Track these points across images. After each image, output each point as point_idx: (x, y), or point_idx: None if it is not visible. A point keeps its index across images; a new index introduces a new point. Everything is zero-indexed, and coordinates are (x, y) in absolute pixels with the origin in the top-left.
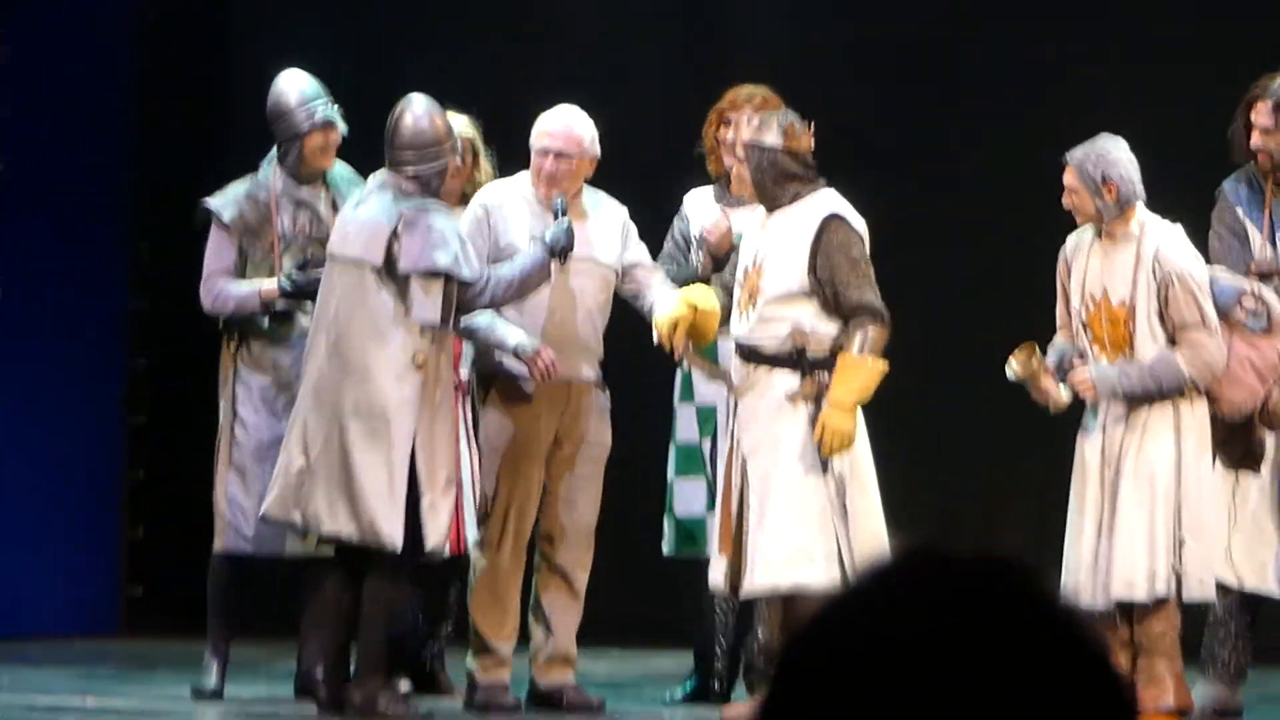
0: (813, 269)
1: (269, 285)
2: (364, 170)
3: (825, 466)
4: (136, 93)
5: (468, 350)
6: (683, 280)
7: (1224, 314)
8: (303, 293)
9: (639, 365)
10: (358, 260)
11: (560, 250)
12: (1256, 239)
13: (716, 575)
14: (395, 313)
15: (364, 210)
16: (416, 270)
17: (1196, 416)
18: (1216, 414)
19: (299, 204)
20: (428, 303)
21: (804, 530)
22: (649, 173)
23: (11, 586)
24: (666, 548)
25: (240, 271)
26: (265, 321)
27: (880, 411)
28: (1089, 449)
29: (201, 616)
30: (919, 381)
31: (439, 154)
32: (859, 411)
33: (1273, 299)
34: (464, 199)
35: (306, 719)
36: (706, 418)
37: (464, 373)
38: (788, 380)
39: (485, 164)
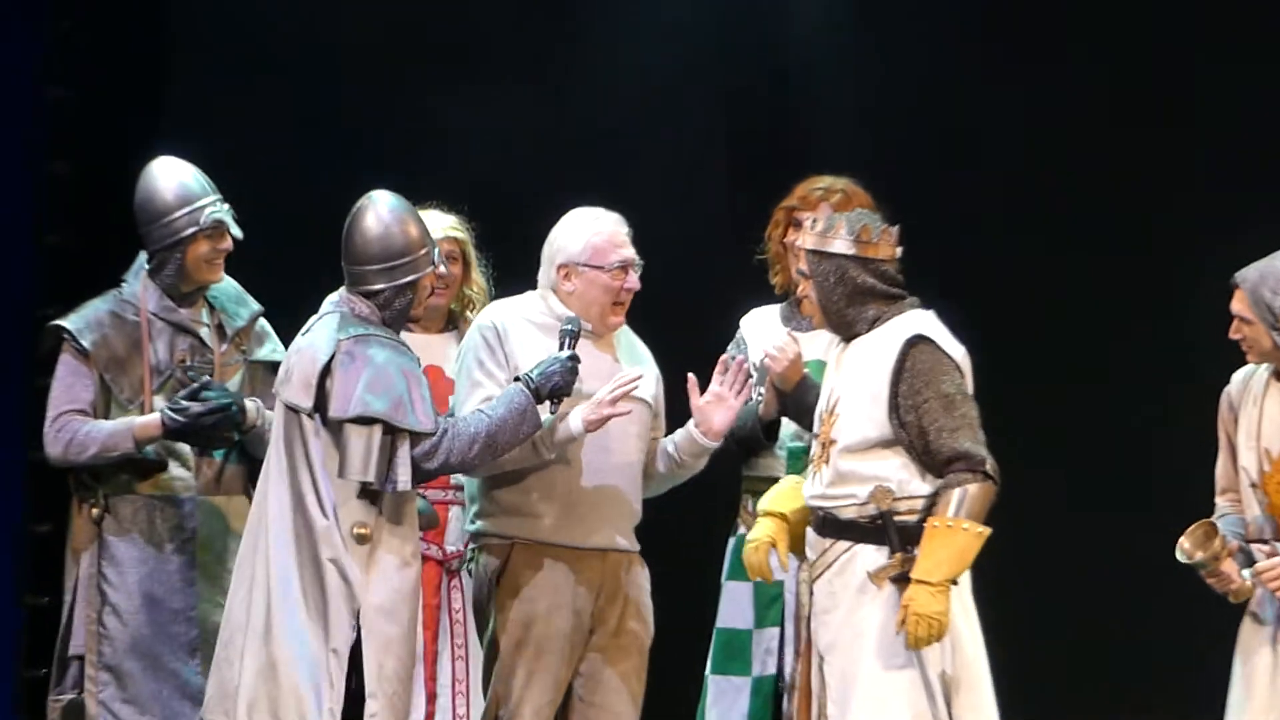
0: (894, 409)
1: (148, 420)
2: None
3: (920, 663)
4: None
5: (455, 520)
6: (740, 423)
7: None
8: (191, 431)
9: (667, 525)
10: (291, 405)
11: (553, 391)
12: None
13: None
14: (331, 471)
15: (306, 339)
16: (345, 416)
17: None
18: None
19: (177, 329)
20: (361, 458)
21: None
22: (693, 292)
23: None
24: None
25: (101, 413)
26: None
27: (988, 578)
28: (1259, 645)
29: None
30: (1037, 538)
31: (409, 267)
32: (959, 589)
33: None
34: (450, 320)
35: None
36: (770, 601)
37: (451, 547)
38: (872, 555)
39: (478, 276)
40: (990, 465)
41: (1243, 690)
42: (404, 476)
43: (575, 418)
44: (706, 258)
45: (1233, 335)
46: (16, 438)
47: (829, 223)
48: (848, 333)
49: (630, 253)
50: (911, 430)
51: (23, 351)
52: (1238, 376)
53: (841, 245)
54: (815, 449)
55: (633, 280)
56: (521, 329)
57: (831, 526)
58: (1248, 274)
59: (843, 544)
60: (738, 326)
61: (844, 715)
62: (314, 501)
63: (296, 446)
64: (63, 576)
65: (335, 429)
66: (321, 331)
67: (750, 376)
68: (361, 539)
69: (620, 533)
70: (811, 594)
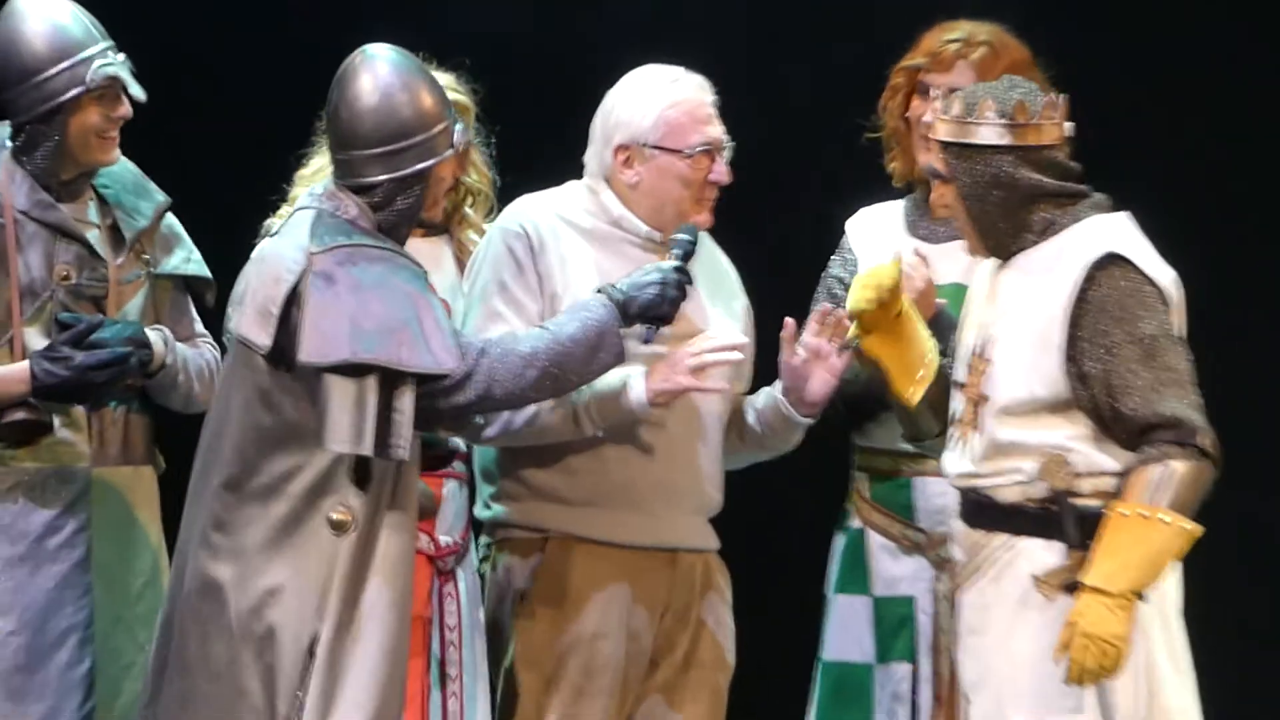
0: (1073, 358)
1: (8, 372)
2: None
3: (1103, 711)
4: None
5: (452, 500)
6: (849, 378)
7: None
8: (74, 388)
9: (756, 516)
10: (245, 340)
11: (647, 312)
12: None
13: None
14: (299, 433)
15: (269, 247)
16: (324, 364)
17: None
18: None
19: (56, 232)
20: (349, 420)
21: None
22: (780, 188)
23: None
24: None
25: None
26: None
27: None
28: None
29: None
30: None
31: (418, 148)
32: (1160, 607)
33: None
34: (445, 217)
35: None
36: (897, 625)
37: (445, 538)
38: (1041, 553)
39: (478, 159)
40: (1209, 439)
41: None
42: (400, 441)
43: (638, 384)
44: (794, 139)
45: None
46: None
47: (970, 100)
48: (1007, 251)
49: (718, 131)
50: (1096, 386)
51: None
52: None
53: (990, 133)
54: (958, 407)
55: (721, 169)
56: (564, 238)
57: (987, 514)
58: None
59: (1001, 537)
60: (843, 233)
61: None
62: (273, 479)
63: (251, 398)
64: None
65: (309, 378)
66: (289, 238)
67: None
68: (339, 527)
69: (695, 526)
70: (956, 610)
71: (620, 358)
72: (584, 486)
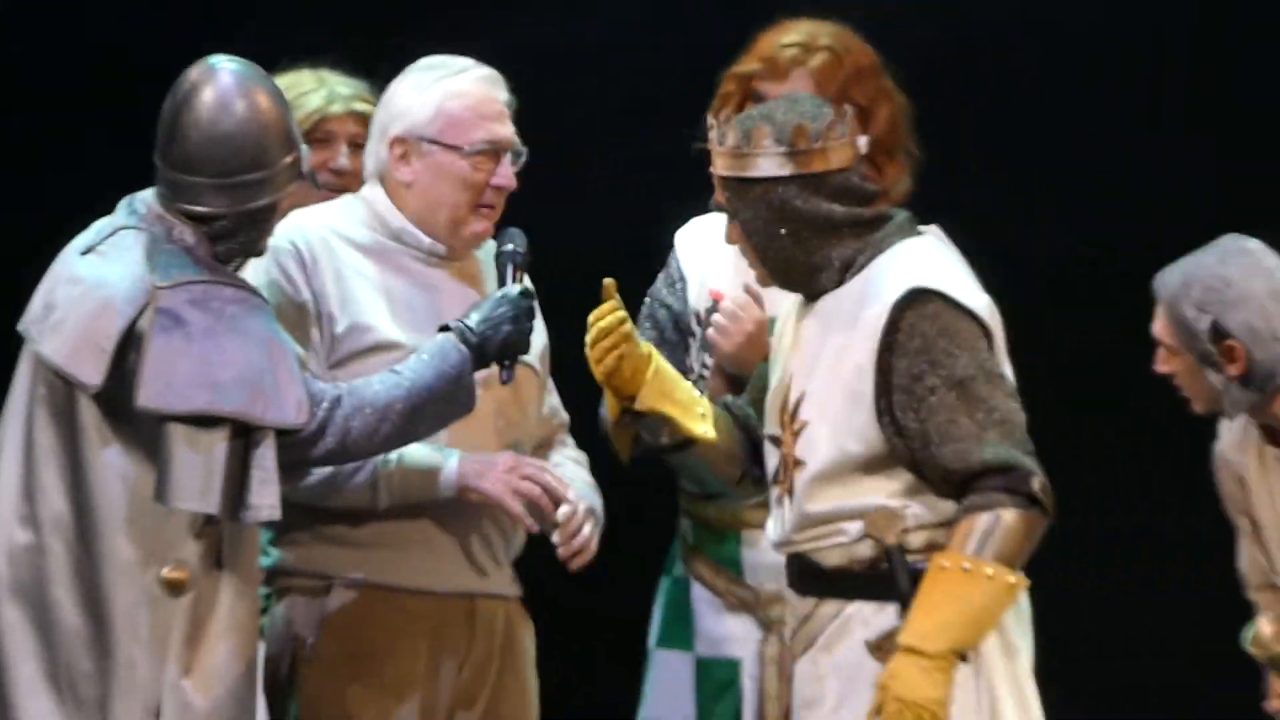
0: (885, 410)
1: None
2: None
3: None
4: None
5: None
6: None
7: None
8: None
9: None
10: (66, 373)
11: (504, 348)
12: None
13: None
14: (130, 484)
15: (92, 268)
16: (169, 413)
17: None
18: None
19: None
20: (198, 475)
21: None
22: (607, 190)
23: None
24: None
25: None
26: None
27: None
28: None
29: None
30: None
31: (265, 184)
32: (1010, 664)
33: None
34: None
35: None
36: (720, 690)
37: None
38: (874, 618)
39: None
40: (1039, 482)
41: None
42: (268, 499)
43: (452, 469)
44: (623, 143)
45: (1160, 369)
46: None
47: (743, 130)
48: (809, 289)
49: (506, 131)
50: (913, 439)
51: None
52: (1228, 435)
53: (769, 164)
54: (774, 465)
55: (505, 173)
56: (340, 254)
57: (813, 580)
58: (1168, 278)
59: (831, 604)
60: (671, 246)
61: None
62: (94, 527)
63: (62, 437)
64: None
65: (146, 424)
66: (120, 264)
67: (697, 334)
68: (174, 589)
69: (494, 570)
70: (788, 680)
71: (471, 407)
72: (371, 528)
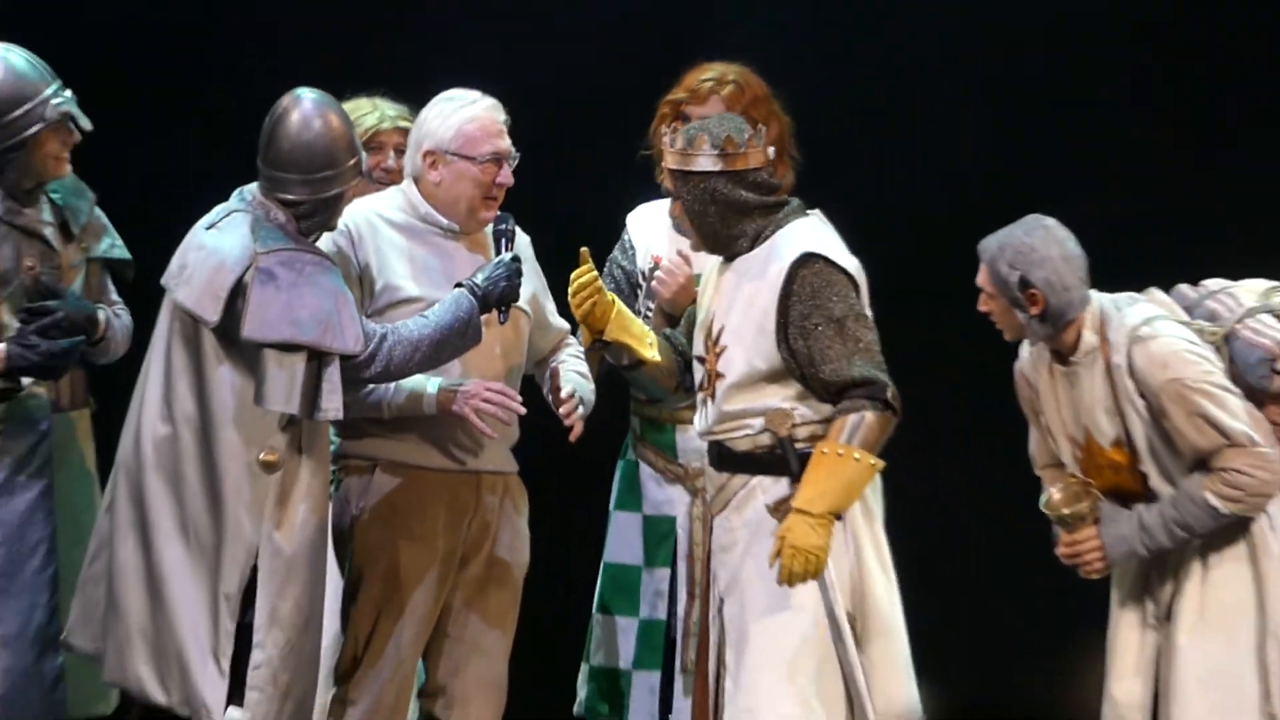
0: (783, 339)
1: None
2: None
3: (825, 604)
4: None
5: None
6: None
7: (1258, 388)
8: (42, 369)
9: (550, 445)
10: (192, 312)
11: (501, 298)
12: None
13: None
14: (237, 391)
15: (214, 239)
16: (266, 339)
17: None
18: None
19: (23, 233)
20: (281, 385)
21: (789, 697)
22: (575, 185)
23: None
24: (577, 706)
25: None
26: None
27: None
28: (1125, 611)
29: None
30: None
31: (335, 178)
32: (871, 524)
33: None
34: None
35: None
36: (661, 538)
37: None
38: (771, 487)
39: None
40: (891, 393)
41: (1112, 656)
42: (334, 404)
43: (431, 396)
44: (591, 152)
45: (981, 309)
46: None
47: (688, 137)
48: (729, 252)
49: (505, 144)
50: (802, 360)
51: None
52: (1025, 352)
53: (706, 162)
54: (701, 376)
55: (506, 175)
56: (381, 231)
57: (728, 460)
58: (988, 244)
59: (740, 478)
60: (624, 225)
61: (740, 659)
62: (213, 422)
63: (191, 359)
64: None
65: (249, 350)
66: (233, 235)
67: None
68: (268, 467)
69: (496, 453)
70: (710, 532)
71: (479, 341)
72: (405, 423)
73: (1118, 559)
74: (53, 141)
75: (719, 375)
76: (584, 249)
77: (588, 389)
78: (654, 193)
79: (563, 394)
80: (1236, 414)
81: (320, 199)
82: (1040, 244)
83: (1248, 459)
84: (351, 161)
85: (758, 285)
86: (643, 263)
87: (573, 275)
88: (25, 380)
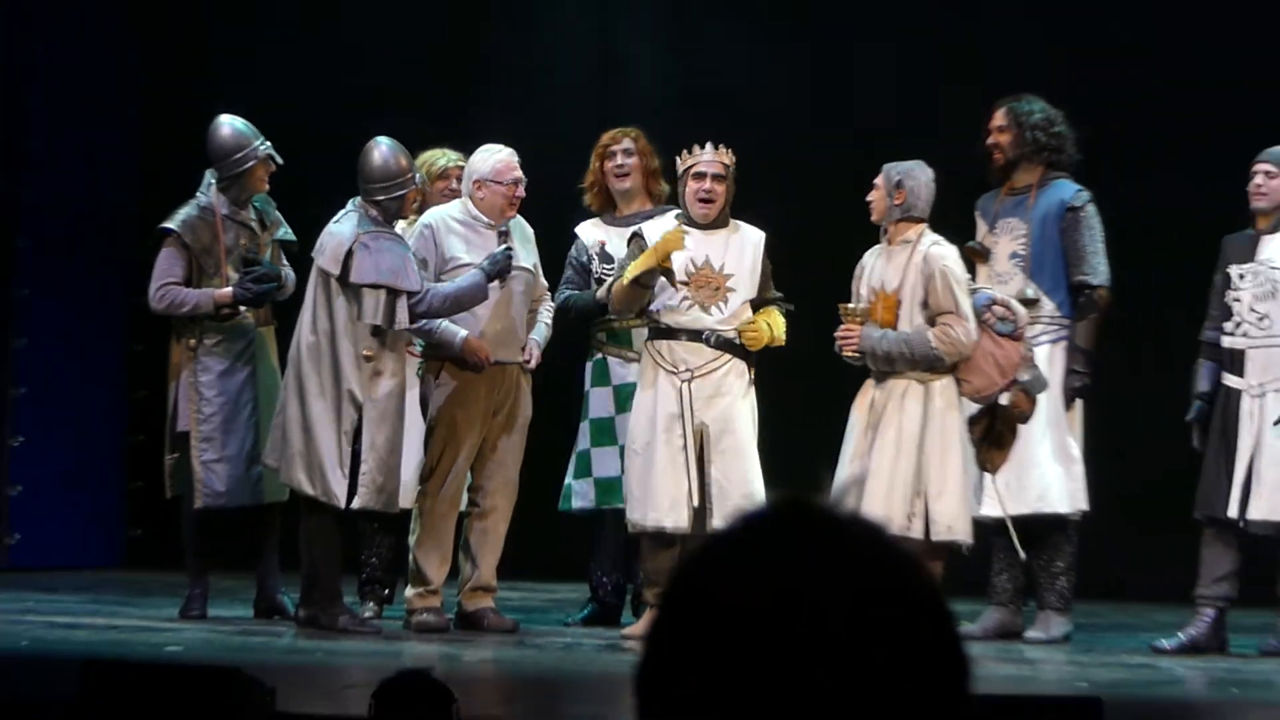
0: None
1: (224, 291)
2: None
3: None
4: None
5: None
6: (585, 301)
7: (979, 317)
8: (253, 302)
9: (546, 361)
10: (324, 269)
11: (499, 273)
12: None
13: (680, 518)
14: (350, 314)
15: (336, 227)
16: (363, 282)
17: (943, 388)
18: (961, 394)
19: (240, 225)
20: (371, 308)
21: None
22: (555, 204)
23: (39, 528)
24: (576, 502)
25: (192, 281)
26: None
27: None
28: (861, 399)
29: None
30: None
31: (401, 185)
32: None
33: (1020, 311)
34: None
35: (277, 634)
36: (626, 398)
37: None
38: (740, 364)
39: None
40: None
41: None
42: (403, 318)
43: (459, 342)
44: (566, 183)
45: (868, 198)
46: (120, 387)
47: (728, 150)
48: (726, 222)
49: (519, 174)
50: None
51: (125, 242)
52: (868, 253)
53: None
54: (705, 297)
55: (521, 191)
56: (451, 227)
57: (722, 344)
58: (891, 165)
59: (726, 356)
60: (574, 234)
61: (738, 458)
62: (336, 332)
63: (324, 297)
64: (152, 476)
65: (355, 289)
66: (347, 224)
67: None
68: (368, 358)
69: (513, 353)
70: (691, 385)
71: (485, 298)
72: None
73: (864, 349)
74: (260, 171)
75: (731, 290)
76: (675, 212)
77: (545, 334)
78: (585, 215)
79: (525, 354)
80: (968, 306)
81: (392, 198)
82: (920, 172)
83: (961, 326)
84: (409, 175)
85: (747, 247)
86: (591, 250)
87: (665, 232)
88: (242, 309)
